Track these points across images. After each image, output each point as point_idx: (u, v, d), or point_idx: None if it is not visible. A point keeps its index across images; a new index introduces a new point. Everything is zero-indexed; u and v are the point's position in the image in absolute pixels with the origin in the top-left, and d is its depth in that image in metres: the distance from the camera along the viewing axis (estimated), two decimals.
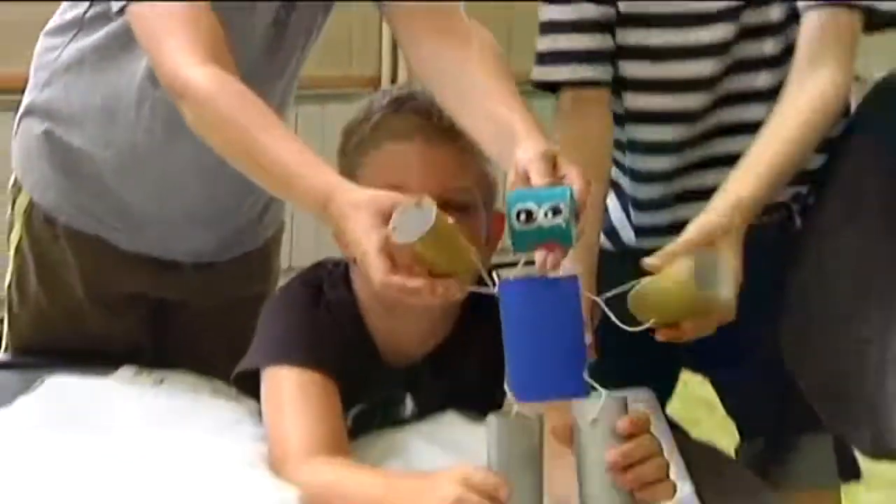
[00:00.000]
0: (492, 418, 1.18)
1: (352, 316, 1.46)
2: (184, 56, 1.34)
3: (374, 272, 1.17)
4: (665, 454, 1.37)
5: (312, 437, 1.35)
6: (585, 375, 1.17)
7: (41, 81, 1.67)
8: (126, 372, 1.61)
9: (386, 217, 1.18)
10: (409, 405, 1.48)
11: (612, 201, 1.69)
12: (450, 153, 1.41)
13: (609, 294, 1.22)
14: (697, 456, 1.43)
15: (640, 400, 1.53)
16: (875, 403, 1.34)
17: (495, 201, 1.47)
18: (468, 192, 1.42)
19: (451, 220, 1.18)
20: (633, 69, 1.55)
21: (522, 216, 1.17)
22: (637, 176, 1.62)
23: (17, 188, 1.71)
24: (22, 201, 1.71)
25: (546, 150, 1.24)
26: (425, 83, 1.45)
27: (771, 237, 1.56)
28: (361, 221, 1.19)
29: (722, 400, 1.74)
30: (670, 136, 1.56)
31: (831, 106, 1.44)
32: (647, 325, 1.25)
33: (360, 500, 1.27)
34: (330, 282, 1.49)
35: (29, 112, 1.69)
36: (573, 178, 1.21)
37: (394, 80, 3.54)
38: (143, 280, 1.70)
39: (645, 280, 1.27)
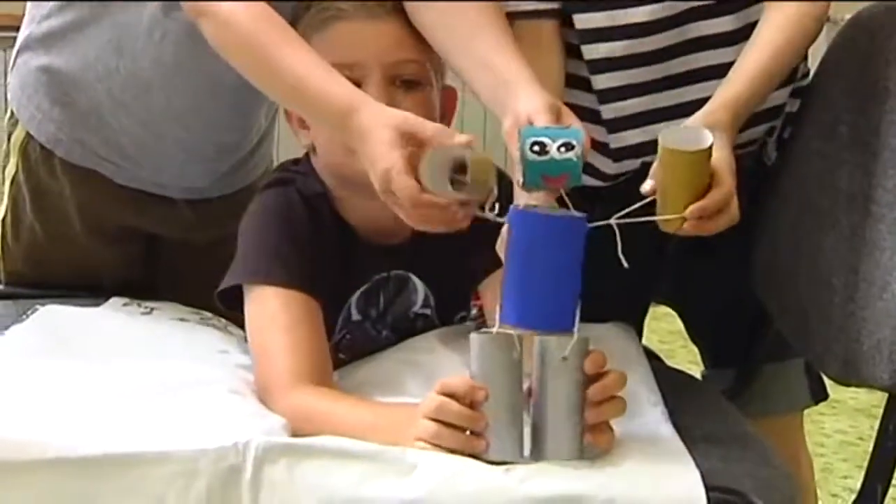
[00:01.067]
0: (474, 336, 1.22)
1: (327, 205, 1.47)
2: None
3: (402, 190, 1.22)
4: (641, 379, 1.43)
5: (298, 364, 1.36)
6: (577, 312, 1.22)
7: (40, 14, 1.66)
8: (116, 302, 1.64)
9: (409, 137, 1.22)
10: (419, 287, 1.51)
11: None
12: (396, 27, 1.43)
13: (620, 214, 1.24)
14: (672, 382, 1.47)
15: (618, 332, 1.58)
16: (843, 330, 1.38)
17: (445, 77, 1.50)
18: (419, 65, 1.44)
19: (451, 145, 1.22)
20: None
21: (536, 148, 1.22)
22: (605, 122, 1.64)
23: (14, 122, 1.72)
24: (18, 134, 1.71)
25: (552, 101, 1.28)
26: (418, 23, 1.45)
27: (745, 169, 1.59)
28: (386, 139, 1.23)
29: (689, 329, 1.77)
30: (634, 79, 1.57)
31: (811, 15, 1.46)
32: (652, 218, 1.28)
33: (348, 429, 1.27)
34: (300, 178, 1.50)
35: (26, 46, 1.68)
36: (579, 128, 1.26)
37: None
38: (137, 214, 1.72)
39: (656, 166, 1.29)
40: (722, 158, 1.31)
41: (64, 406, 1.27)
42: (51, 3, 1.64)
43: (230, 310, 1.48)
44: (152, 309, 1.62)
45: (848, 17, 1.57)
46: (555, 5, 1.53)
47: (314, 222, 1.46)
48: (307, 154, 1.51)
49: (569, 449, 1.22)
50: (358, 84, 1.37)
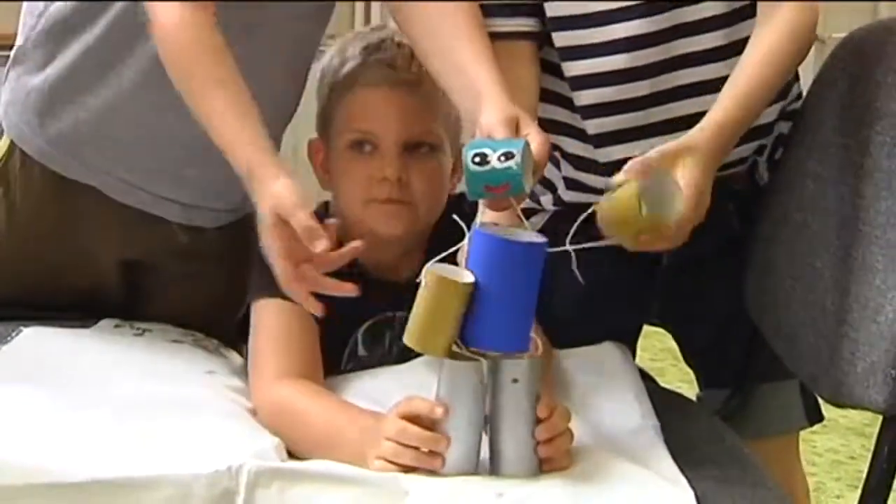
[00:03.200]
0: (446, 362, 1.24)
1: (336, 246, 1.50)
2: None
3: (277, 270, 1.28)
4: (636, 399, 1.43)
5: (285, 362, 1.42)
6: (532, 334, 1.25)
7: (30, 25, 1.63)
8: (108, 324, 1.63)
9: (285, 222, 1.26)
10: None
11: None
12: (413, 101, 1.50)
13: (574, 226, 1.26)
14: (666, 403, 1.47)
15: (611, 351, 1.58)
16: (837, 352, 1.38)
17: (459, 139, 1.56)
18: (432, 136, 1.52)
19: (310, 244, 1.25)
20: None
21: (477, 159, 1.24)
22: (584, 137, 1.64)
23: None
24: (2, 145, 1.66)
25: (509, 114, 1.30)
26: (402, 30, 1.50)
27: (736, 191, 1.60)
28: (266, 219, 1.27)
29: (682, 350, 1.77)
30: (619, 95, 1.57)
31: (801, 31, 1.45)
32: (607, 243, 1.30)
33: (321, 429, 1.33)
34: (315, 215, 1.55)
35: (17, 59, 1.65)
36: (533, 137, 1.28)
37: (367, 22, 3.56)
38: (127, 236, 1.66)
39: (603, 199, 1.32)
40: (690, 178, 1.32)
41: (54, 430, 1.27)
42: (41, 13, 1.61)
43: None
44: (144, 330, 1.61)
45: (836, 35, 1.57)
46: (533, 27, 1.53)
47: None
48: (324, 205, 1.58)
49: (523, 466, 1.25)
50: (374, 149, 1.50)
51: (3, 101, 1.68)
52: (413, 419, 1.24)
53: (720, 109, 1.40)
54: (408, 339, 1.25)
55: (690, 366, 1.77)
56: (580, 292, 1.34)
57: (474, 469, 1.25)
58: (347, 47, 1.56)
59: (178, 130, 1.52)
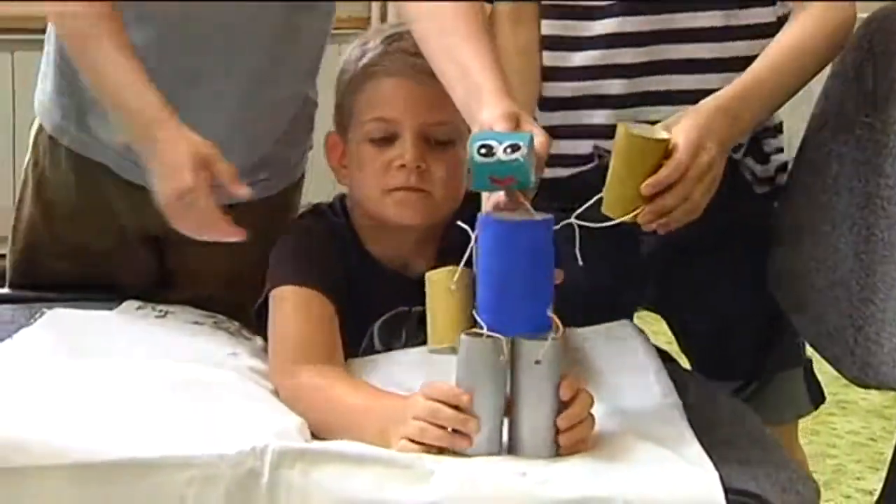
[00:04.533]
0: (462, 338, 1.24)
1: (352, 240, 1.54)
2: None
3: (202, 211, 1.40)
4: (656, 380, 1.42)
5: (306, 344, 1.43)
6: (550, 312, 1.24)
7: None
8: (130, 305, 1.63)
9: (204, 165, 1.39)
10: None
11: None
12: (434, 90, 1.46)
13: (579, 210, 1.26)
14: (688, 384, 1.46)
15: (628, 330, 1.58)
16: (862, 332, 1.37)
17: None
18: (450, 126, 1.50)
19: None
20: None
21: (483, 150, 1.23)
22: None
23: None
24: (36, 124, 1.71)
25: (509, 110, 1.29)
26: (412, 29, 1.49)
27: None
28: (185, 162, 1.40)
29: (679, 342, 1.75)
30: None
31: (833, 27, 1.46)
32: (622, 219, 1.29)
33: (344, 409, 1.33)
34: (331, 211, 1.59)
35: (49, 35, 1.68)
36: (535, 133, 1.28)
37: (383, 20, 3.57)
38: (139, 212, 1.66)
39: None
40: (685, 139, 1.31)
41: (78, 410, 1.28)
42: None
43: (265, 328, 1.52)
44: (166, 312, 1.62)
45: (857, 15, 1.56)
46: None
47: (338, 246, 1.54)
48: (340, 198, 1.60)
49: (543, 447, 1.25)
50: (393, 138, 1.49)
51: (40, 74, 1.71)
52: (440, 402, 1.24)
53: (730, 87, 1.40)
54: (431, 343, 1.28)
55: (688, 358, 1.75)
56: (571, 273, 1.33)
57: (498, 450, 1.25)
58: (367, 40, 1.57)
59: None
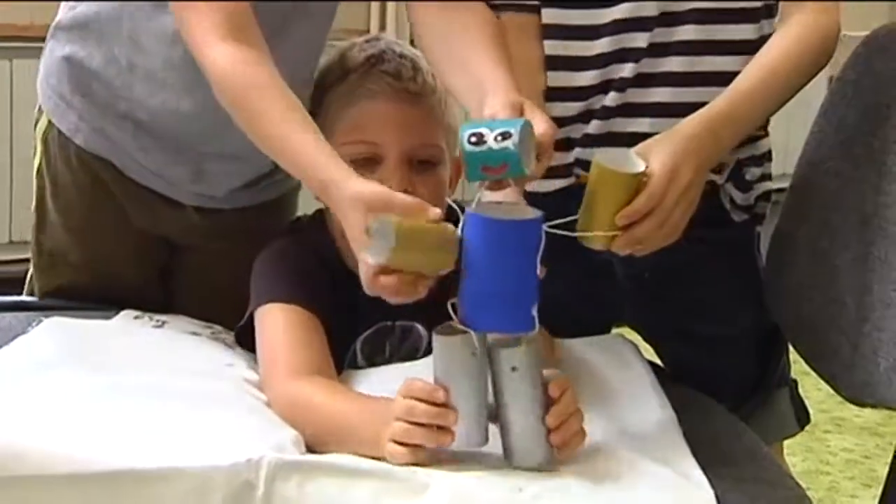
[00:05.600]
0: (435, 336, 1.23)
1: (332, 257, 1.52)
2: (204, 32, 1.38)
3: (362, 275, 1.25)
4: (650, 395, 1.42)
5: (296, 358, 1.41)
6: (534, 312, 1.22)
7: (69, 4, 1.66)
8: (128, 315, 1.63)
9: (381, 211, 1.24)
10: (423, 335, 1.52)
11: None
12: (418, 113, 1.49)
13: (555, 223, 1.23)
14: (681, 398, 1.45)
15: (621, 343, 1.58)
16: (859, 351, 1.37)
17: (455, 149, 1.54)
18: (435, 148, 1.51)
19: (420, 220, 1.22)
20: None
21: (473, 139, 1.21)
22: None
23: (40, 110, 1.72)
24: (42, 123, 1.71)
25: (513, 100, 1.27)
26: (416, 32, 1.49)
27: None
28: (355, 221, 1.25)
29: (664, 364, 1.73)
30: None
31: (817, 38, 1.44)
32: (596, 247, 1.28)
33: (334, 419, 1.32)
34: (311, 228, 1.58)
35: (54, 33, 1.68)
36: (538, 120, 1.25)
37: (382, 18, 3.58)
38: (147, 213, 1.69)
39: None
40: (660, 167, 1.29)
41: (74, 420, 1.27)
42: None
43: (250, 350, 1.51)
44: (164, 322, 1.61)
45: (850, 34, 1.56)
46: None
47: (319, 263, 1.52)
48: (319, 211, 1.58)
49: (537, 453, 1.23)
50: (377, 161, 1.47)
51: (41, 74, 1.71)
52: (417, 399, 1.24)
53: (715, 104, 1.39)
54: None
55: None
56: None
57: (483, 443, 1.24)
58: (347, 57, 1.55)
59: (194, 124, 1.53)
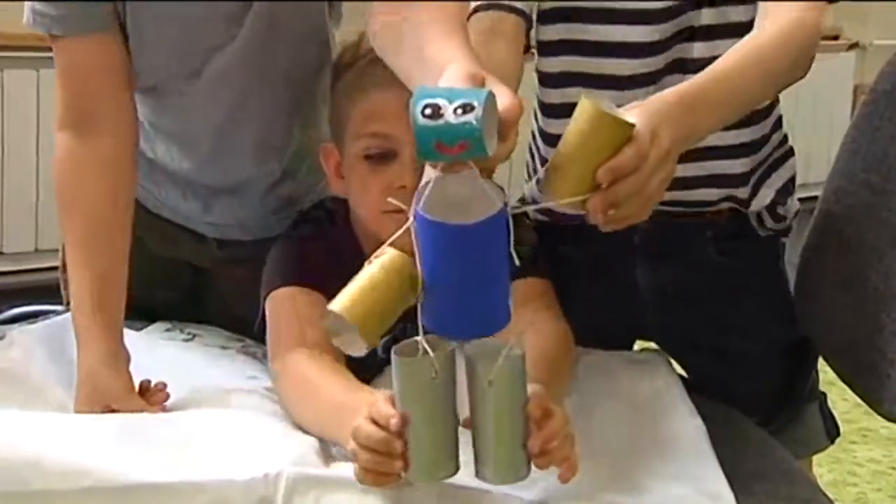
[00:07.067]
0: (393, 356, 1.12)
1: (354, 251, 1.48)
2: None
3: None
4: (683, 415, 1.40)
5: (301, 334, 1.41)
6: (509, 303, 1.09)
7: None
8: (159, 327, 1.64)
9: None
10: None
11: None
12: None
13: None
14: (712, 413, 1.43)
15: (656, 361, 1.56)
16: (893, 366, 1.35)
17: None
18: None
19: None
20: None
21: (428, 110, 1.02)
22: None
23: None
24: None
25: (472, 71, 1.11)
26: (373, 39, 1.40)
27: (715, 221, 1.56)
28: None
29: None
30: None
31: (798, 32, 1.39)
32: (567, 202, 1.12)
33: (324, 401, 1.32)
34: (330, 220, 1.56)
35: None
36: (502, 94, 1.08)
37: None
38: (169, 242, 1.69)
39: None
40: (644, 124, 1.16)
41: (93, 433, 1.28)
42: None
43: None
44: (194, 335, 1.61)
45: (877, 42, 1.54)
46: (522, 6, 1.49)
47: (336, 253, 1.49)
48: (331, 200, 1.57)
49: (510, 473, 1.14)
50: (391, 154, 1.43)
51: None
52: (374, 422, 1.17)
53: (688, 81, 1.30)
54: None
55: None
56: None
57: (451, 473, 1.15)
58: (359, 47, 1.50)
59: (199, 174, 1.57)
